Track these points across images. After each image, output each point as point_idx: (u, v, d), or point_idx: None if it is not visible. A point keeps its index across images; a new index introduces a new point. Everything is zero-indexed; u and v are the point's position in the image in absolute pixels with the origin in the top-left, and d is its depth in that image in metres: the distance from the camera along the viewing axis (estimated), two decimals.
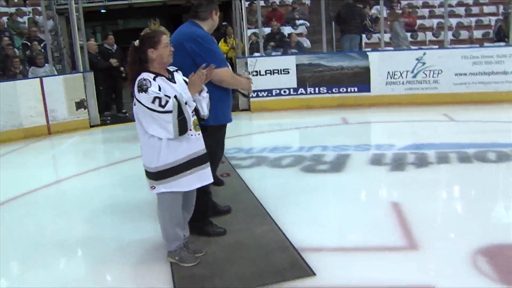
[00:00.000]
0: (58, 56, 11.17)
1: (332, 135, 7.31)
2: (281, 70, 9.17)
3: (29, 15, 12.29)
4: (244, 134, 7.80)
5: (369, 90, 9.07)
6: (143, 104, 3.05)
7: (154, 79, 3.10)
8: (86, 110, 8.74)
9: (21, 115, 8.18)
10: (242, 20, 9.49)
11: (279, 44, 10.82)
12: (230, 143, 6.72)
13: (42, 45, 9.96)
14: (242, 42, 9.90)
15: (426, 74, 8.97)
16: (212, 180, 3.38)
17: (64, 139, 8.23)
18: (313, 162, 5.71)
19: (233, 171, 5.50)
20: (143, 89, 3.04)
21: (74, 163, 7.06)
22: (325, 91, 9.18)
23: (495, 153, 5.66)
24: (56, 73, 9.35)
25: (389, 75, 9.00)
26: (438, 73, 8.94)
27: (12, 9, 12.40)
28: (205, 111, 3.36)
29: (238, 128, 8.19)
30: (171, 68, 3.32)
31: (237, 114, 9.29)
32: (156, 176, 3.21)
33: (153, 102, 3.02)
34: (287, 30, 11.68)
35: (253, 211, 4.27)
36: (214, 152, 3.78)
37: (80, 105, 8.63)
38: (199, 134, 3.28)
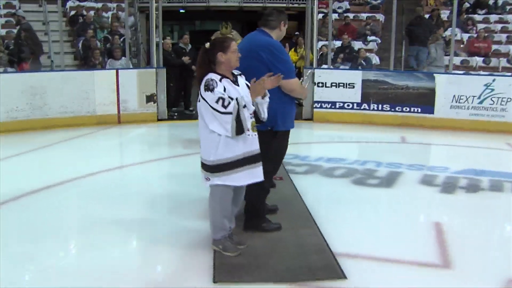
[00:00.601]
0: (135, 51, 11.82)
1: (389, 152, 7.35)
2: (346, 84, 9.28)
3: (113, 10, 13.07)
4: (303, 142, 7.97)
5: (432, 112, 8.99)
6: (207, 102, 3.34)
7: (220, 80, 3.38)
8: (156, 104, 9.23)
9: (96, 103, 8.78)
10: (313, 31, 9.66)
11: (348, 58, 10.93)
12: (288, 150, 6.94)
13: (121, 39, 10.61)
14: (312, 53, 10.10)
15: (493, 101, 8.78)
16: (262, 179, 3.61)
17: (132, 129, 8.75)
18: (364, 176, 5.82)
19: (287, 175, 5.70)
20: (209, 88, 3.32)
21: (138, 152, 7.52)
22: (388, 108, 9.18)
23: None
24: (131, 66, 9.93)
25: (454, 99, 8.88)
26: (507, 101, 8.72)
27: (99, 4, 13.21)
28: (265, 113, 3.61)
29: (299, 136, 8.39)
30: (236, 72, 3.58)
31: (300, 123, 9.47)
32: (211, 168, 3.47)
33: (217, 102, 3.30)
34: (358, 45, 11.75)
35: (298, 214, 4.46)
36: (278, 155, 4.04)
37: (150, 98, 9.13)
38: (255, 134, 3.54)
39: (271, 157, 3.93)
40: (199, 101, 3.43)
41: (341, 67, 10.55)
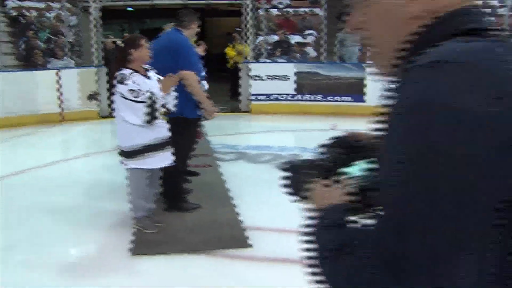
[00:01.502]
0: (79, 50, 11.96)
1: (317, 139, 7.77)
2: (281, 76, 9.76)
3: (56, 10, 13.13)
4: (234, 133, 8.41)
5: (363, 101, 9.59)
6: (121, 94, 3.71)
7: (131, 74, 3.76)
8: (97, 101, 9.47)
9: (38, 102, 8.96)
10: (248, 27, 10.09)
11: (285, 51, 11.41)
12: (219, 140, 7.37)
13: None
14: (247, 48, 10.54)
15: None
16: (172, 162, 4.03)
17: (75, 126, 8.98)
18: (287, 161, 6.28)
19: (214, 163, 6.12)
20: (122, 81, 3.70)
21: (81, 146, 7.80)
22: (321, 98, 9.72)
23: None
24: (73, 66, 10.12)
25: (383, 87, 9.48)
26: None
27: (42, 4, 13.25)
28: (171, 105, 4.02)
29: (233, 128, 8.83)
30: (147, 67, 3.97)
31: (238, 115, 9.92)
32: (127, 154, 3.86)
33: (129, 93, 3.68)
34: (296, 38, 12.25)
35: (219, 196, 4.89)
36: (190, 140, 4.43)
37: (91, 96, 9.38)
38: (164, 122, 3.95)
39: (183, 142, 4.33)
40: (114, 94, 3.79)
41: (279, 60, 11.03)
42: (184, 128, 4.30)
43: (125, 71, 3.77)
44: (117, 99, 3.77)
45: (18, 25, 11.76)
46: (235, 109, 10.24)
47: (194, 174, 5.57)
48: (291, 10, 13.89)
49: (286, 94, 9.80)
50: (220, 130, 8.53)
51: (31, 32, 10.86)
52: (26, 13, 12.34)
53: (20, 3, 12.91)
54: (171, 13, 18.11)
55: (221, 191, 5.04)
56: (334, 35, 11.67)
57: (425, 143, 0.60)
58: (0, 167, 5.92)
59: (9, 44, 12.00)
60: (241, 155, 6.60)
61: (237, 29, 13.23)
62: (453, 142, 0.59)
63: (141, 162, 3.88)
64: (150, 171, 3.99)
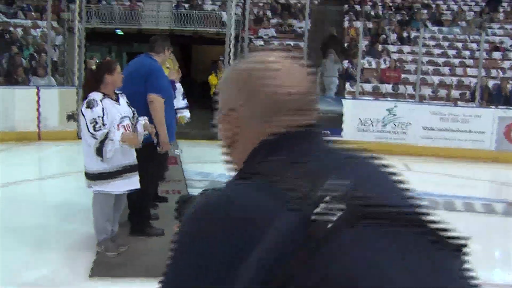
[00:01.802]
0: (62, 70, 11.99)
1: None
2: None
3: (42, 29, 13.20)
4: (211, 160, 8.41)
5: (340, 134, 9.69)
6: (85, 119, 3.73)
7: (101, 100, 3.78)
8: (76, 122, 9.44)
9: (15, 119, 8.91)
10: (230, 56, 10.25)
11: None
12: (194, 167, 7.38)
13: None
14: None
15: (395, 125, 9.60)
16: (139, 186, 4.03)
17: (52, 145, 8.93)
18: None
19: (185, 190, 6.10)
20: (89, 106, 3.73)
21: (56, 165, 7.75)
22: None
23: (427, 201, 6.22)
24: (55, 85, 10.12)
25: (360, 122, 9.64)
26: (407, 125, 9.55)
27: (29, 22, 13.33)
28: (140, 133, 4.02)
29: (209, 155, 8.86)
30: (117, 91, 4.01)
31: (215, 143, 9.95)
32: (93, 177, 3.86)
33: (91, 122, 3.71)
34: None
35: None
36: (159, 166, 4.44)
37: (71, 117, 9.35)
38: (131, 147, 3.97)
39: (151, 168, 4.34)
40: (80, 116, 3.81)
41: None
42: (153, 154, 4.31)
43: (95, 95, 3.80)
44: (82, 122, 3.79)
45: (3, 41, 11.79)
46: (214, 137, 10.26)
47: (163, 199, 5.55)
48: (275, 42, 14.14)
49: None
50: (196, 158, 8.57)
51: (15, 49, 10.89)
52: (12, 29, 12.39)
53: (7, 19, 12.97)
54: (181, 40, 18.06)
55: None
56: (316, 69, 11.90)
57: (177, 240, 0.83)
58: None
59: None
60: (213, 183, 6.61)
61: (222, 58, 13.41)
62: (180, 249, 0.82)
63: (106, 185, 3.88)
64: (116, 195, 3.99)
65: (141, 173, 4.33)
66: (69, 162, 8.10)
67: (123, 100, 4.01)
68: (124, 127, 3.92)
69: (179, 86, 6.27)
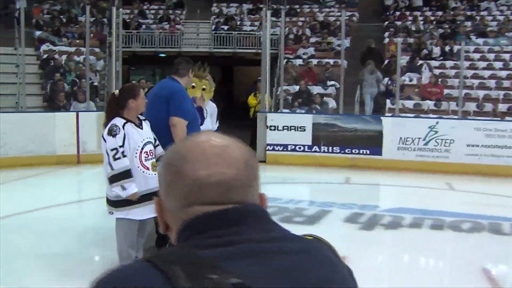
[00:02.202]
0: (103, 94, 12.26)
1: (328, 192, 7.72)
2: (298, 127, 9.71)
3: (85, 54, 13.57)
4: None
5: (380, 154, 9.40)
6: (106, 145, 3.70)
7: (123, 126, 3.74)
8: None
9: (56, 143, 9.12)
10: (266, 77, 10.18)
11: (305, 102, 11.42)
12: None
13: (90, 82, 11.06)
14: (268, 98, 10.61)
15: (438, 143, 9.22)
16: None
17: (91, 169, 9.06)
18: (292, 214, 6.15)
19: None
20: (111, 133, 3.69)
21: (94, 189, 7.81)
22: (338, 150, 9.59)
23: (471, 223, 5.87)
24: (95, 109, 10.33)
25: (401, 141, 9.31)
26: (450, 143, 9.16)
27: (72, 49, 13.76)
28: None
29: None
30: (141, 117, 3.98)
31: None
32: (114, 203, 3.81)
33: (112, 149, 3.67)
34: (317, 89, 12.28)
35: None
36: None
37: None
38: (154, 174, 3.91)
39: None
40: (102, 142, 3.78)
41: (298, 111, 11.02)
42: None
43: (118, 121, 3.77)
44: (103, 148, 3.76)
45: (48, 67, 12.19)
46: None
47: None
48: (314, 61, 14.00)
49: (302, 145, 9.71)
50: None
51: (58, 75, 11.22)
52: (56, 56, 12.80)
53: (52, 47, 13.42)
54: (200, 60, 18.49)
55: None
56: (355, 87, 11.68)
57: None
58: (5, 206, 5.98)
59: (38, 85, 12.45)
60: None
61: (259, 78, 13.37)
62: None
63: (129, 212, 3.82)
64: (140, 221, 3.93)
65: None
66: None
67: (146, 125, 3.97)
68: (147, 153, 3.88)
69: (211, 109, 6.16)
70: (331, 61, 13.96)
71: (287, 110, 10.97)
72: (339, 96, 10.64)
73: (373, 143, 9.41)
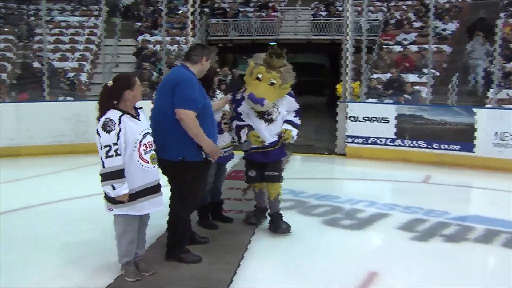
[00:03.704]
0: None
1: (398, 192, 7.00)
2: (380, 118, 8.94)
3: (180, 44, 13.86)
4: (313, 178, 7.81)
5: (472, 150, 8.32)
6: (100, 140, 3.50)
7: (120, 119, 3.52)
8: None
9: None
10: (348, 65, 9.53)
11: (396, 91, 10.52)
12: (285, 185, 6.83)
13: None
14: (357, 85, 9.96)
15: None
16: (163, 206, 3.73)
17: None
18: (343, 216, 5.57)
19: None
20: (106, 129, 3.49)
21: None
22: (424, 145, 8.67)
23: None
24: None
25: (497, 136, 8.14)
26: None
27: (169, 38, 14.09)
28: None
29: (317, 172, 8.31)
30: (136, 105, 3.74)
31: (332, 158, 9.31)
32: (112, 199, 3.62)
33: (105, 146, 3.47)
34: (412, 77, 11.27)
35: (233, 249, 4.42)
36: (195, 187, 4.03)
37: None
38: (155, 166, 3.70)
39: (186, 189, 3.97)
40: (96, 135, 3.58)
41: (387, 101, 10.18)
42: (187, 173, 3.94)
43: (113, 114, 3.55)
44: (97, 142, 3.57)
45: (140, 57, 12.61)
46: (330, 151, 9.63)
47: (227, 220, 5.18)
48: (414, 47, 12.89)
49: (385, 138, 8.93)
50: (296, 172, 8.02)
51: (146, 64, 11.52)
52: (151, 46, 13.18)
53: (149, 37, 13.86)
54: (302, 48, 17.87)
55: (240, 244, 4.55)
56: (453, 75, 10.55)
57: None
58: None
59: None
60: (298, 204, 6.01)
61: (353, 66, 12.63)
62: None
63: (129, 208, 3.63)
64: (140, 216, 3.73)
65: (177, 195, 4.03)
66: None
67: (143, 114, 3.74)
68: (146, 145, 3.64)
69: (287, 105, 4.90)
70: (434, 47, 12.70)
71: (374, 100, 10.18)
72: (434, 85, 9.65)
73: (464, 138, 8.35)
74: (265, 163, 4.80)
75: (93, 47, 13.86)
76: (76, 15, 15.58)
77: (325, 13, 16.27)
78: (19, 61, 12.75)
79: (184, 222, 4.09)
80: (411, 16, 14.66)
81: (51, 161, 8.61)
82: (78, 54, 13.34)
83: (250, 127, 4.66)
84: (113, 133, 3.46)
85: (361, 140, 9.10)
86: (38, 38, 13.48)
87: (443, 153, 8.53)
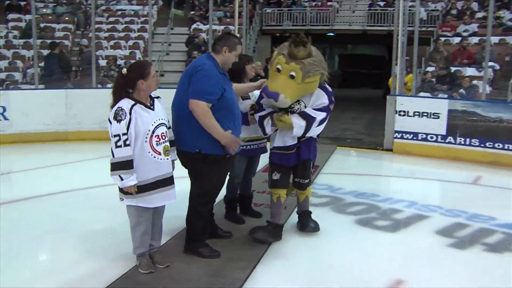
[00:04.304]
0: None
1: (443, 192, 6.60)
2: (431, 113, 8.48)
3: (234, 32, 13.77)
4: (354, 174, 7.51)
5: None
6: (111, 130, 3.44)
7: (131, 109, 3.44)
8: None
9: None
10: (398, 57, 9.09)
11: (451, 85, 9.97)
12: (324, 180, 6.60)
13: None
14: (410, 78, 9.52)
15: None
16: (174, 199, 3.64)
17: None
18: (379, 216, 5.29)
19: (290, 206, 5.43)
20: (117, 118, 3.42)
21: None
22: (478, 143, 8.14)
23: None
24: None
25: None
26: None
27: (222, 27, 14.06)
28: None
29: (359, 167, 8.01)
30: (153, 95, 3.64)
31: (379, 153, 8.95)
32: (123, 190, 3.55)
33: (115, 136, 3.40)
34: (470, 71, 10.65)
35: (256, 246, 4.26)
36: (212, 181, 3.90)
37: None
38: (167, 158, 3.60)
39: (203, 182, 3.86)
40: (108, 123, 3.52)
41: (440, 95, 9.67)
42: (205, 166, 3.82)
43: (125, 103, 3.47)
44: (109, 131, 3.50)
45: (191, 46, 12.64)
46: (376, 146, 9.27)
47: (256, 215, 5.03)
48: (475, 38, 12.18)
49: (435, 134, 8.47)
50: (337, 167, 7.75)
51: (196, 52, 11.52)
52: (203, 35, 13.19)
53: (201, 26, 13.88)
54: (358, 39, 17.43)
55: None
56: None
57: None
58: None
59: (183, 62, 13.02)
60: (333, 201, 5.78)
61: (407, 58, 12.10)
62: None
63: (140, 200, 3.57)
64: (154, 208, 3.66)
65: (192, 188, 3.94)
66: None
67: (159, 104, 3.64)
68: (159, 136, 3.54)
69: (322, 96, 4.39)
70: (497, 38, 11.96)
71: (425, 94, 9.69)
72: (494, 80, 9.06)
73: None
74: (293, 165, 4.34)
75: (146, 35, 14.03)
76: (132, 4, 15.83)
77: (382, 3, 15.69)
78: (75, 49, 13.09)
79: (203, 215, 3.99)
80: (474, 6, 13.87)
81: (96, 147, 8.74)
82: (130, 42, 13.54)
83: (273, 114, 4.21)
84: (123, 123, 3.39)
85: (409, 136, 8.68)
86: (94, 26, 13.79)
87: (497, 152, 7.98)
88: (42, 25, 13.68)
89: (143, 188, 3.52)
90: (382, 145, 9.15)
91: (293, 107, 4.16)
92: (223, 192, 4.44)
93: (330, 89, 4.34)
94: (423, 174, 7.71)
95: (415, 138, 8.64)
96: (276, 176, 4.33)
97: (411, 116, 8.66)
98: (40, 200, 5.63)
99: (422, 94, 9.70)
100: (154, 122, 3.53)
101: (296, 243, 4.45)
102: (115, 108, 3.47)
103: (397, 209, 5.51)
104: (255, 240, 4.22)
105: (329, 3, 16.43)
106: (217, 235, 4.34)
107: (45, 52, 11.31)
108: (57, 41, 12.14)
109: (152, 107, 3.57)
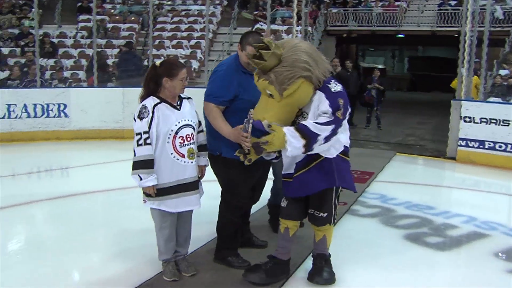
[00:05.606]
0: None
1: (508, 208, 6.04)
2: (499, 120, 7.85)
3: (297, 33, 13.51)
4: (408, 183, 7.05)
5: None
6: (134, 127, 3.34)
7: (154, 107, 3.32)
8: None
9: None
10: (464, 56, 8.49)
11: None
12: (378, 189, 6.23)
13: None
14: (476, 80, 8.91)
15: None
16: (197, 206, 3.49)
17: None
18: (431, 231, 4.87)
19: (339, 216, 5.13)
20: (139, 116, 3.32)
21: None
22: None
23: None
24: None
25: None
26: None
27: (285, 27, 13.86)
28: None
29: (424, 176, 7.56)
30: (183, 95, 3.49)
31: (441, 162, 8.41)
32: (146, 192, 3.43)
33: (137, 134, 3.30)
34: None
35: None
36: (232, 185, 3.71)
37: None
38: (191, 162, 3.43)
39: (228, 187, 3.70)
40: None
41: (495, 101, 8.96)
42: (227, 169, 3.63)
43: (149, 101, 3.35)
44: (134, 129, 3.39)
45: None
46: (439, 154, 8.72)
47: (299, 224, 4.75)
48: None
49: (504, 143, 7.82)
50: (399, 177, 7.30)
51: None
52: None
53: (265, 26, 13.72)
54: (449, 41, 16.63)
55: (298, 253, 4.12)
56: None
57: None
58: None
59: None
60: (383, 212, 5.42)
61: (476, 60, 11.34)
62: None
63: (161, 203, 3.42)
64: (179, 214, 3.51)
65: (225, 191, 3.76)
66: None
67: (188, 105, 3.48)
68: (183, 138, 3.38)
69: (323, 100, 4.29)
70: None
71: (496, 100, 9.01)
72: None
73: None
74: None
75: (209, 35, 14.08)
76: (197, 4, 15.98)
77: (453, 2, 14.86)
78: (138, 48, 13.35)
79: (233, 222, 3.79)
80: None
81: None
82: (192, 42, 13.63)
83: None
84: (145, 121, 3.27)
85: (475, 144, 8.08)
86: (158, 26, 14.03)
87: None
88: (109, 25, 14.07)
89: (163, 191, 3.38)
90: (444, 153, 8.60)
91: (297, 122, 3.29)
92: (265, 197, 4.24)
93: (336, 88, 3.23)
94: (487, 187, 7.13)
95: (481, 146, 8.03)
96: (283, 203, 3.53)
97: (477, 122, 8.06)
98: (92, 196, 5.77)
99: (491, 99, 9.02)
100: (179, 123, 3.38)
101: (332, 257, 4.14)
102: (139, 106, 3.36)
103: (453, 225, 5.07)
104: (255, 283, 3.51)
105: (396, 3, 15.78)
106: (251, 243, 4.14)
107: (109, 51, 11.58)
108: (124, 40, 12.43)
109: (178, 107, 3.43)
